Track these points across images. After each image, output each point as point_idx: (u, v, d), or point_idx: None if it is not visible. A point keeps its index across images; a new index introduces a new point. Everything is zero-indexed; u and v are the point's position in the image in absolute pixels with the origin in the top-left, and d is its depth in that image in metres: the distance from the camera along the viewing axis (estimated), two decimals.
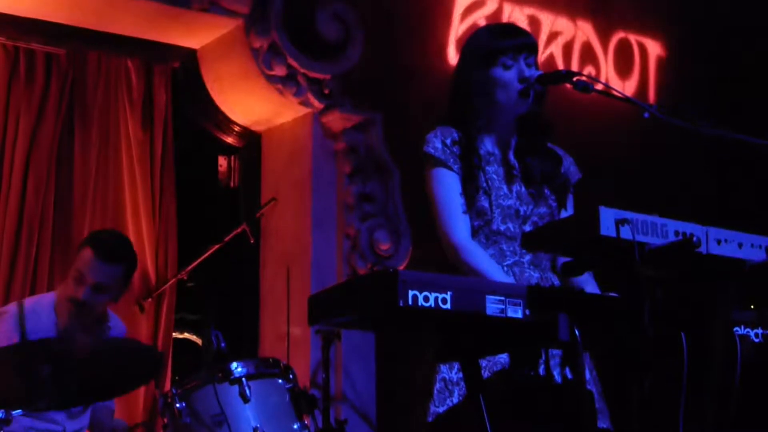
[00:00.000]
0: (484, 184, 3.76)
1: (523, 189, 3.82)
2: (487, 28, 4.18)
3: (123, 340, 4.95)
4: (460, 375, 3.58)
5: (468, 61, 3.89)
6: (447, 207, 3.75)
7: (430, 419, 3.63)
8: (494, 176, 3.79)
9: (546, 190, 3.86)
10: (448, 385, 3.62)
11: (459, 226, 3.72)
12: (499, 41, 3.83)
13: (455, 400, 3.59)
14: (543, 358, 3.38)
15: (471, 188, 3.75)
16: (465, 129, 3.83)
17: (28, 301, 5.08)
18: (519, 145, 3.88)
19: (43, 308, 4.91)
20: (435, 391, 3.65)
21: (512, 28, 4.01)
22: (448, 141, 3.79)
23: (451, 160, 3.76)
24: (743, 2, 8.04)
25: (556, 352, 3.62)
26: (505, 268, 3.72)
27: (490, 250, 3.74)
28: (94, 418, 5.08)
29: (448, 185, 3.76)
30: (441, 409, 3.61)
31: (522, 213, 3.78)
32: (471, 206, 3.75)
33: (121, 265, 4.83)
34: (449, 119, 3.89)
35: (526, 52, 3.81)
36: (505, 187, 3.79)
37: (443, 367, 3.64)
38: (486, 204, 3.75)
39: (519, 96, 3.77)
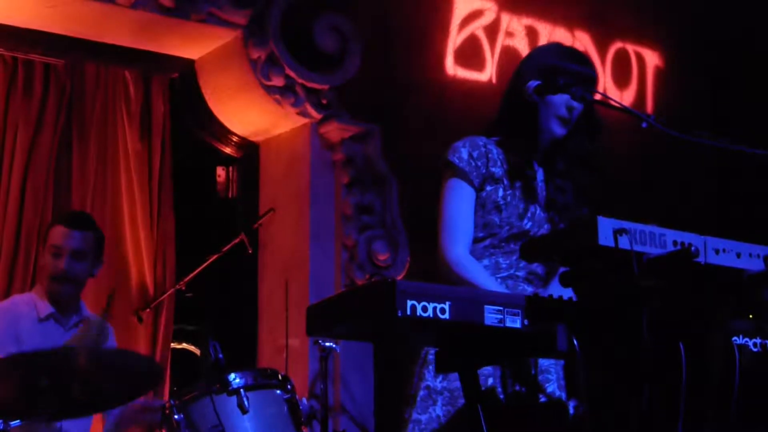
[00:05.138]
0: (501, 201, 3.75)
1: (539, 212, 3.80)
2: (558, 46, 4.07)
3: (122, 351, 4.99)
4: (444, 384, 3.58)
5: (527, 70, 3.81)
6: (451, 221, 3.73)
7: (410, 425, 3.62)
8: (516, 192, 3.77)
9: (563, 220, 3.84)
10: (432, 393, 3.61)
11: (457, 242, 3.71)
12: (565, 61, 3.75)
13: (438, 408, 3.58)
14: (533, 372, 3.38)
15: (486, 200, 3.74)
16: (504, 140, 3.80)
17: (6, 301, 5.23)
18: (553, 168, 3.85)
19: (23, 302, 5.06)
20: (418, 398, 3.64)
21: (583, 57, 3.88)
22: (475, 153, 3.76)
23: (474, 173, 3.74)
24: (741, 12, 8.05)
25: (545, 367, 3.60)
26: (499, 280, 3.71)
27: (485, 260, 3.73)
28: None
29: (460, 198, 3.74)
30: (423, 417, 3.60)
31: (531, 234, 3.75)
32: (480, 218, 3.74)
33: (92, 231, 5.07)
34: (493, 126, 3.85)
35: (587, 83, 3.73)
36: (522, 206, 3.77)
37: (428, 375, 3.62)
38: (496, 219, 3.73)
39: (556, 119, 3.75)
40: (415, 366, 3.70)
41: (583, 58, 3.86)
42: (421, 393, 3.64)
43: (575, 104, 3.73)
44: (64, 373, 4.00)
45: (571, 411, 3.48)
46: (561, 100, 3.73)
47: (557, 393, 3.63)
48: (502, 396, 3.46)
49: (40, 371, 3.97)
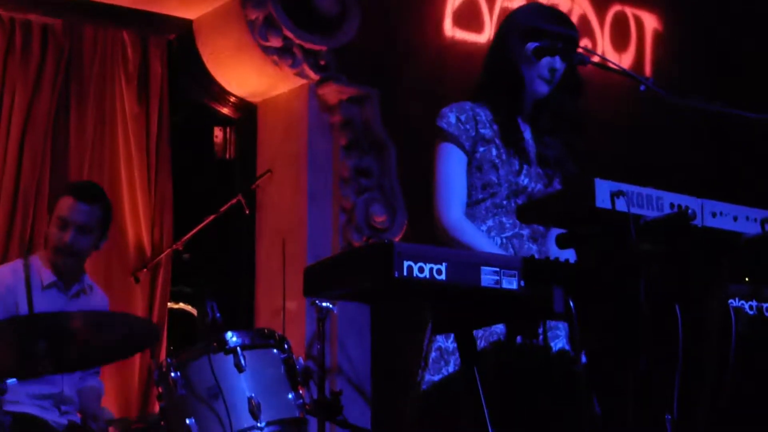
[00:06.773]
0: (496, 159, 3.76)
1: (534, 168, 3.82)
2: (539, 6, 4.06)
3: (118, 314, 5.01)
4: (456, 345, 3.59)
5: (508, 32, 3.85)
6: (446, 185, 3.74)
7: (424, 387, 3.64)
8: (510, 150, 3.78)
9: (556, 175, 3.85)
10: (444, 354, 3.63)
11: (453, 206, 3.72)
12: (546, 23, 3.77)
13: (451, 369, 3.61)
14: (540, 328, 3.39)
15: (481, 161, 3.75)
16: (489, 101, 3.82)
17: (5, 266, 5.23)
18: (539, 126, 3.87)
19: (23, 268, 5.04)
20: (431, 360, 3.66)
21: (563, 17, 3.91)
22: (463, 117, 3.77)
23: (464, 137, 3.75)
24: None
25: (554, 323, 3.63)
26: (504, 240, 3.73)
27: (489, 221, 3.75)
28: (81, 401, 5.12)
29: (452, 163, 3.76)
30: (436, 378, 3.63)
31: (529, 190, 3.78)
32: (478, 179, 3.75)
33: (100, 204, 5.03)
34: (477, 89, 3.87)
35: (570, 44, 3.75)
36: (516, 163, 3.78)
37: (439, 336, 3.64)
38: (494, 178, 3.75)
39: (538, 78, 3.77)
40: (426, 328, 3.72)
41: (564, 18, 3.89)
42: (433, 354, 3.66)
43: (557, 66, 3.77)
44: (61, 336, 4.02)
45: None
46: (544, 62, 3.76)
47: (566, 348, 3.66)
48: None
49: (36, 335, 3.99)
